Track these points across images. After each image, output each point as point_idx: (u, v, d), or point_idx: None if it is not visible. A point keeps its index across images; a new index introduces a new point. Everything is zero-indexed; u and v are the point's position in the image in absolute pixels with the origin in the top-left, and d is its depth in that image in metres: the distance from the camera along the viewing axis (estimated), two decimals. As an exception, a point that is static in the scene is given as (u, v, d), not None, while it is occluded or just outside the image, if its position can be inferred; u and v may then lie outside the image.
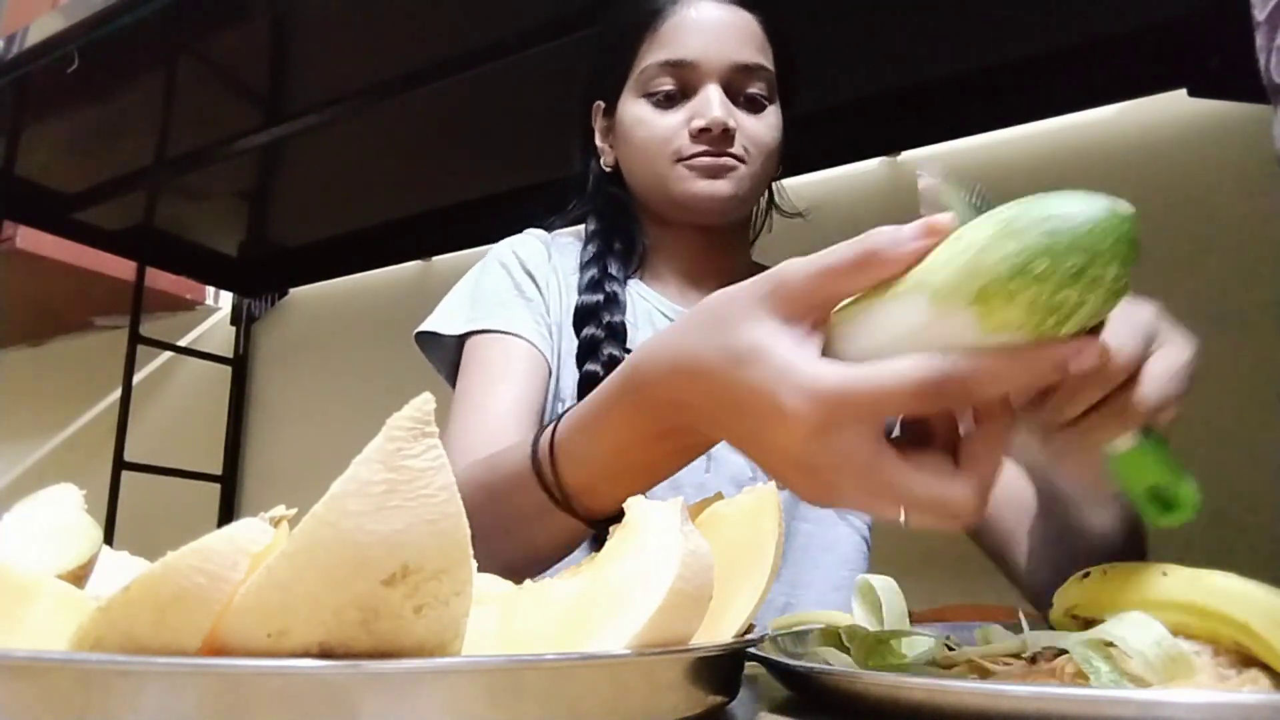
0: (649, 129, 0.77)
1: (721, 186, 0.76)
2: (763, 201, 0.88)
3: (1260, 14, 0.38)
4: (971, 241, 0.31)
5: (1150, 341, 0.38)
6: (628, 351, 0.77)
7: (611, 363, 0.75)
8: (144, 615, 0.22)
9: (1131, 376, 0.37)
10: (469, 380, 0.76)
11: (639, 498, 0.33)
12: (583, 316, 0.78)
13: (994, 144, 1.50)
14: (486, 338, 0.77)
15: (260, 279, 2.37)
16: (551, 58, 1.23)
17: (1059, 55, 1.31)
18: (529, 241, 0.85)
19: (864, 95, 1.44)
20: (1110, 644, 0.33)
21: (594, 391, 0.47)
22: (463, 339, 0.79)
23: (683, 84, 0.77)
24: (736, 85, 0.77)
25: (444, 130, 1.59)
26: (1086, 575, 0.39)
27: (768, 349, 0.34)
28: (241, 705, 0.22)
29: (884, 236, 0.32)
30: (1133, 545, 0.56)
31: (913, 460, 0.33)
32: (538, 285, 0.81)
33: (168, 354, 2.47)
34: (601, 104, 0.84)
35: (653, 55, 0.78)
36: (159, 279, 2.31)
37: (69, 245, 2.07)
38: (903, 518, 0.33)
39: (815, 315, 0.34)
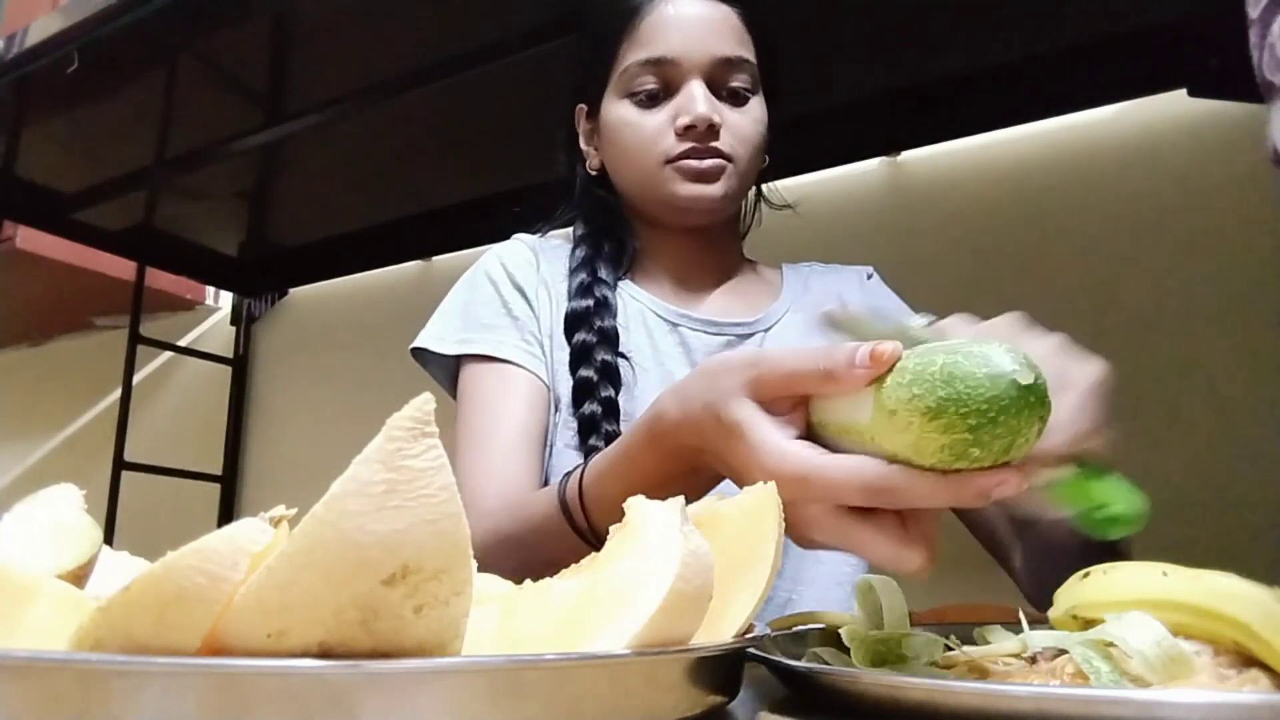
0: (634, 130, 0.77)
1: (710, 189, 0.76)
2: (751, 195, 0.88)
3: (1254, 11, 0.38)
4: (908, 376, 0.35)
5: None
6: (620, 355, 0.77)
7: (604, 368, 0.75)
8: (144, 615, 0.22)
9: None
10: (469, 416, 0.77)
11: (639, 497, 0.33)
12: (573, 323, 0.78)
13: (994, 144, 1.50)
14: (480, 366, 0.78)
15: (260, 279, 2.37)
16: (551, 58, 1.23)
17: (1059, 55, 1.31)
18: (516, 251, 0.84)
19: (864, 95, 1.44)
20: (1110, 644, 0.33)
21: (618, 441, 0.53)
22: (458, 358, 0.79)
23: (665, 82, 0.76)
24: (719, 79, 0.77)
25: (444, 130, 1.59)
26: (1087, 575, 0.39)
27: (747, 427, 0.41)
28: (241, 705, 0.22)
29: (841, 359, 0.38)
30: (1108, 547, 0.57)
31: (870, 523, 0.39)
32: (527, 299, 0.81)
33: (168, 354, 2.48)
34: (584, 107, 0.84)
35: (633, 54, 0.77)
36: (159, 279, 2.31)
37: (69, 245, 2.07)
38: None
39: (790, 403, 0.41)
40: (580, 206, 0.86)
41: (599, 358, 0.75)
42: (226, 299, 2.51)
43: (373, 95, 1.47)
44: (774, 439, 0.40)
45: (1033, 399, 0.34)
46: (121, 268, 2.23)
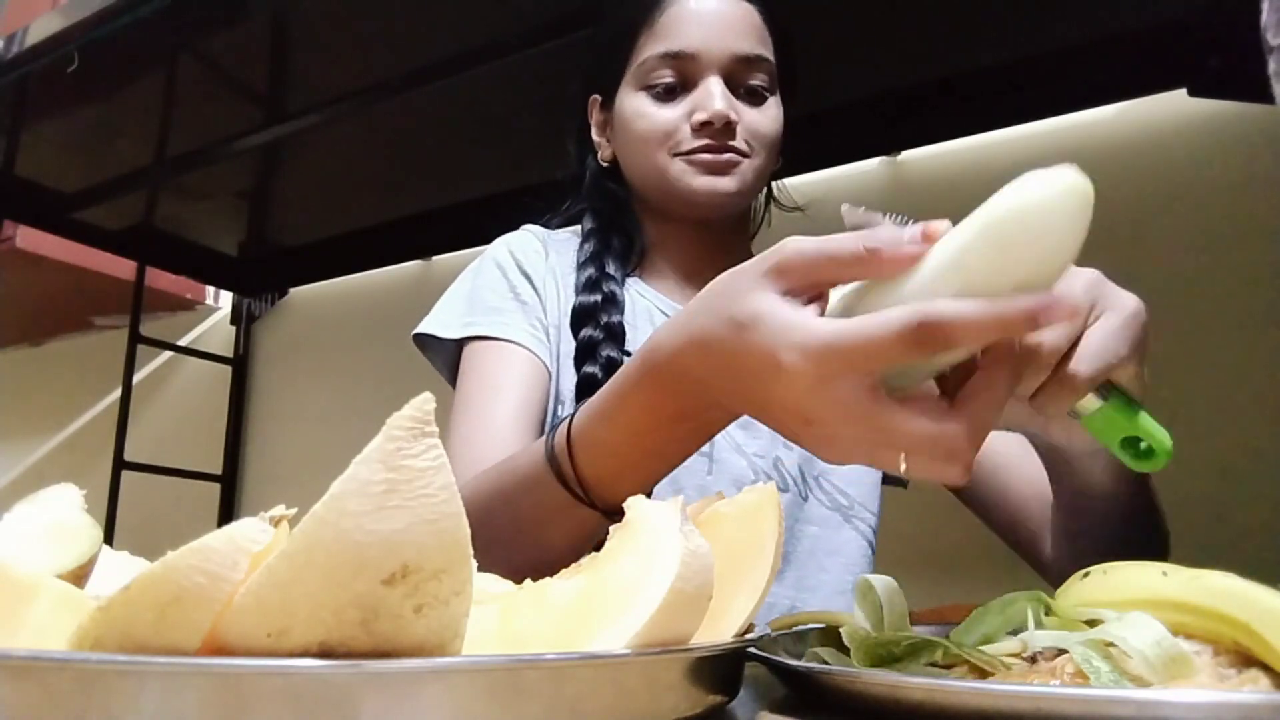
0: (649, 122, 0.76)
1: (724, 183, 0.75)
2: (761, 196, 0.87)
3: (1275, 39, 0.37)
4: (954, 243, 0.34)
5: (1091, 306, 0.43)
6: (626, 353, 0.76)
7: (610, 364, 0.74)
8: (144, 615, 0.22)
9: (1074, 347, 0.41)
10: (468, 390, 0.76)
11: (639, 497, 0.33)
12: (580, 318, 0.77)
13: (994, 144, 1.50)
14: (484, 345, 0.77)
15: (260, 279, 2.37)
16: (552, 57, 1.23)
17: (1059, 55, 1.31)
18: (525, 240, 0.84)
19: (864, 95, 1.44)
20: (1110, 644, 0.33)
21: (610, 380, 0.49)
22: (461, 343, 0.78)
23: (683, 76, 0.76)
24: (737, 77, 0.76)
25: (444, 130, 1.59)
26: (1086, 575, 0.39)
27: (767, 314, 0.37)
28: (241, 705, 0.22)
29: (888, 236, 0.35)
30: (1141, 502, 0.59)
31: (909, 405, 0.35)
32: (534, 286, 0.80)
33: (168, 354, 2.47)
34: (598, 98, 0.83)
35: (652, 47, 0.76)
36: (159, 279, 2.31)
37: (69, 245, 2.07)
38: (903, 467, 0.35)
39: (812, 292, 0.37)
40: (589, 199, 0.85)
41: (604, 354, 0.75)
42: (226, 299, 2.51)
43: (373, 95, 1.47)
44: (799, 316, 0.36)
45: (1077, 199, 0.32)
46: (121, 268, 2.22)
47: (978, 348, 0.35)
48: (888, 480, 0.84)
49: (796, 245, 0.37)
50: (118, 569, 0.37)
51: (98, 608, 0.23)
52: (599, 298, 0.78)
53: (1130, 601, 0.36)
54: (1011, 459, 0.76)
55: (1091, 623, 0.36)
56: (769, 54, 0.78)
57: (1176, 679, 0.32)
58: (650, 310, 0.81)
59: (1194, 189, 1.32)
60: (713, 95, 0.74)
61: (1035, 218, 0.32)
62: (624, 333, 0.77)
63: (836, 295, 0.37)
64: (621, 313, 0.78)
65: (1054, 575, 0.70)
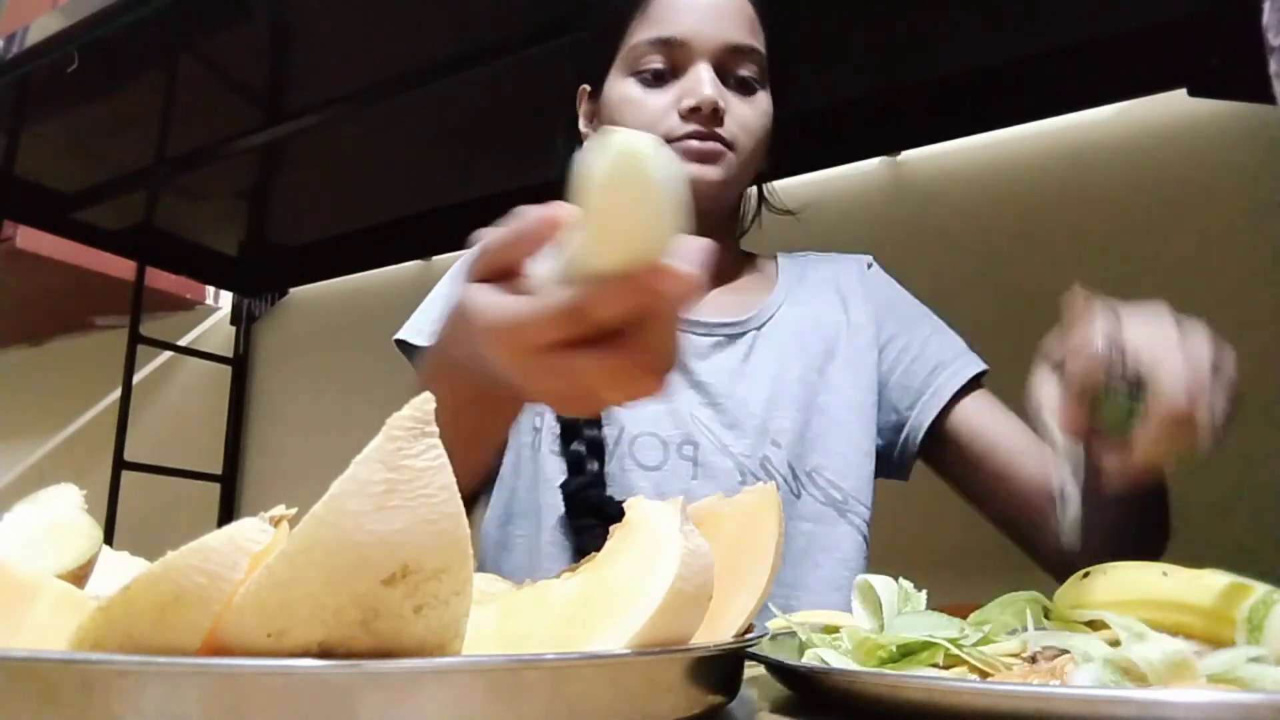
0: (637, 108, 0.75)
1: (710, 171, 0.74)
2: (753, 197, 0.87)
3: (1276, 39, 0.38)
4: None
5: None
6: None
7: None
8: (144, 615, 0.22)
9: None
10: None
11: (639, 497, 0.33)
12: None
13: (994, 144, 1.50)
14: None
15: (260, 279, 2.37)
16: (552, 57, 1.22)
17: (1059, 55, 1.31)
18: None
19: (864, 95, 1.44)
20: (1112, 643, 0.33)
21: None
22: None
23: (672, 63, 0.75)
24: (727, 66, 0.75)
25: (444, 130, 1.59)
26: (1087, 575, 0.39)
27: (467, 302, 0.40)
28: (241, 705, 0.22)
29: (525, 218, 0.38)
30: (1155, 501, 0.64)
31: (594, 349, 0.37)
32: None
33: (168, 354, 2.47)
34: (587, 87, 0.82)
35: (642, 33, 0.75)
36: (159, 279, 2.31)
37: (69, 245, 2.07)
38: (606, 399, 0.39)
39: (504, 274, 0.40)
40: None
41: None
42: (226, 299, 2.51)
43: (373, 95, 1.47)
44: (484, 300, 0.39)
45: (627, 163, 0.30)
46: (121, 267, 2.22)
47: (618, 314, 0.36)
48: (886, 473, 0.84)
49: (482, 236, 0.41)
50: (118, 569, 0.37)
51: (98, 608, 0.23)
52: None
53: (1130, 602, 0.36)
54: (1015, 451, 0.76)
55: (1092, 623, 0.36)
56: (760, 46, 0.77)
57: (1177, 679, 0.32)
58: None
59: (1194, 189, 1.32)
60: (702, 81, 0.73)
61: (607, 192, 0.31)
62: None
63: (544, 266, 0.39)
64: None
65: (1056, 566, 0.70)
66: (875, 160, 1.61)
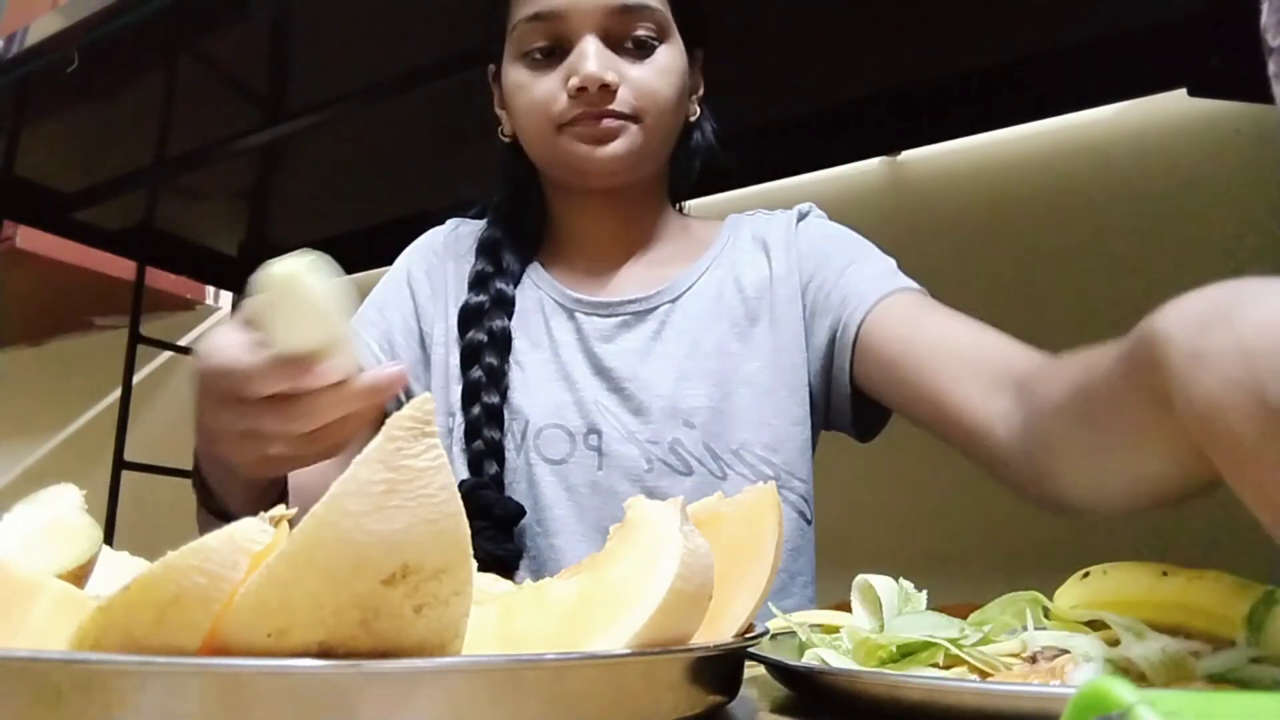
0: (528, 94, 0.71)
1: (610, 149, 0.69)
2: (692, 149, 0.79)
3: (1274, 40, 0.37)
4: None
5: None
6: (507, 361, 0.74)
7: (491, 371, 0.72)
8: (144, 615, 0.22)
9: None
10: None
11: (639, 497, 0.33)
12: (465, 320, 0.75)
13: (994, 144, 1.50)
14: None
15: (260, 279, 2.37)
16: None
17: (1059, 55, 1.31)
18: (425, 241, 0.84)
19: (864, 95, 1.44)
20: (1112, 644, 0.33)
21: None
22: None
23: (556, 38, 0.70)
24: (617, 31, 0.69)
25: (444, 130, 1.59)
26: (1087, 575, 0.39)
27: (207, 340, 0.48)
28: (241, 705, 0.22)
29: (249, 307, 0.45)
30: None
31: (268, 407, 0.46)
32: (413, 294, 0.79)
33: (168, 354, 2.47)
34: (493, 68, 0.78)
35: (520, 9, 0.71)
36: (159, 279, 2.31)
37: (69, 245, 2.07)
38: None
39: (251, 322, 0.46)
40: (502, 178, 0.82)
41: (487, 360, 0.72)
42: (226, 299, 2.51)
43: (373, 95, 1.47)
44: (219, 341, 0.46)
45: (281, 282, 0.41)
46: (121, 268, 2.22)
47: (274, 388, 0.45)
48: (834, 424, 0.76)
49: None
50: (118, 569, 0.37)
51: (98, 608, 0.23)
52: (486, 298, 0.75)
53: (1130, 601, 0.36)
54: (933, 356, 0.63)
55: (1092, 623, 0.36)
56: (655, 0, 0.70)
57: (1177, 680, 0.32)
58: (542, 300, 0.77)
59: (1194, 189, 1.32)
60: (585, 56, 0.67)
61: (279, 299, 0.42)
62: (509, 337, 0.74)
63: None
64: (510, 313, 0.75)
65: (1013, 474, 0.56)
66: (875, 160, 1.61)
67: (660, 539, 0.29)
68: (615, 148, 0.69)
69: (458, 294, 0.78)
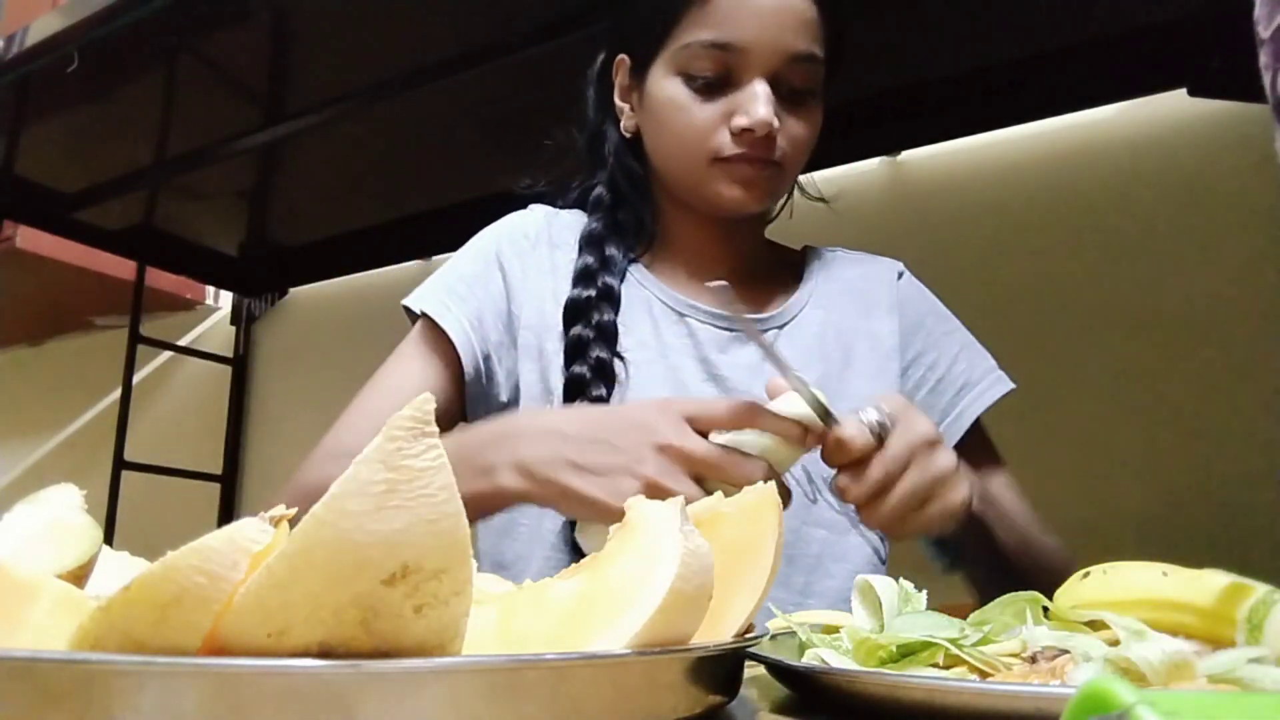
0: (686, 117, 0.71)
1: (757, 195, 0.72)
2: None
3: (1265, 31, 0.37)
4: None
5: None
6: (617, 354, 0.74)
7: (599, 365, 0.72)
8: (144, 615, 0.22)
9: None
10: (384, 368, 0.77)
11: (639, 497, 0.33)
12: (572, 314, 0.75)
13: (994, 144, 1.50)
14: (424, 324, 0.76)
15: (260, 279, 2.37)
16: (552, 57, 1.23)
17: (1059, 55, 1.31)
18: (519, 223, 0.82)
19: (864, 95, 1.44)
20: (1112, 644, 0.33)
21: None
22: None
23: (726, 69, 0.69)
24: (784, 77, 0.70)
25: (444, 130, 1.59)
26: (1087, 575, 0.39)
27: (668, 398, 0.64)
28: (241, 705, 0.22)
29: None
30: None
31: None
32: (504, 276, 0.78)
33: (168, 354, 2.47)
34: (627, 60, 0.77)
35: (697, 31, 0.70)
36: (159, 279, 2.31)
37: (69, 245, 2.07)
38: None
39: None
40: (608, 170, 0.80)
41: (594, 354, 0.72)
42: (226, 299, 2.51)
43: (373, 95, 1.47)
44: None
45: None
46: (121, 268, 2.23)
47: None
48: None
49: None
50: (118, 569, 0.37)
51: (98, 608, 0.23)
52: (593, 292, 0.75)
53: (1130, 602, 0.36)
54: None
55: (1092, 623, 0.36)
56: (821, 51, 0.71)
57: (1177, 680, 0.32)
58: (650, 301, 0.78)
59: (1194, 189, 1.32)
60: (758, 99, 0.68)
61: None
62: (616, 332, 0.74)
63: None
64: (617, 308, 0.75)
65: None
66: (875, 160, 1.61)
67: (660, 539, 0.29)
68: (760, 193, 0.72)
69: (553, 283, 0.78)
